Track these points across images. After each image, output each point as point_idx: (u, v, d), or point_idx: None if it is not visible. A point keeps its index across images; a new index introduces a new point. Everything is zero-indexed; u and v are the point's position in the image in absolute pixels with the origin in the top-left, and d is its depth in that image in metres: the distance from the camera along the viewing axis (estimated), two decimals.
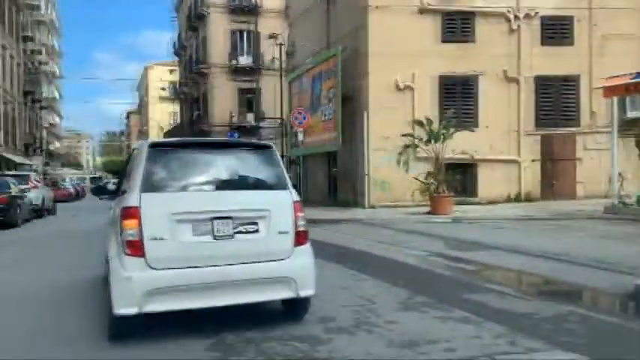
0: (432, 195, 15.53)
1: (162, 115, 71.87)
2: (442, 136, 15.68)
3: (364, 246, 10.25)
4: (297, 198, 4.58)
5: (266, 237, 4.33)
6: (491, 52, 18.76)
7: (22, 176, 19.86)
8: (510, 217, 14.75)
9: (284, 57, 29.02)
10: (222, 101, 39.57)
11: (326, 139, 19.77)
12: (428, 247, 9.77)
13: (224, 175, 4.56)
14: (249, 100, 40.89)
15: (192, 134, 44.63)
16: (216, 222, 4.16)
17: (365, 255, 9.28)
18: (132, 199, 4.15)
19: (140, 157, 4.45)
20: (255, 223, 4.32)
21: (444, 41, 18.82)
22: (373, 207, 18.10)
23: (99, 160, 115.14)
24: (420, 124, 15.86)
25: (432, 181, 15.64)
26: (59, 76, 67.87)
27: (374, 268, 7.76)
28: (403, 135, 16.44)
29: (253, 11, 39.52)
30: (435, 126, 16.00)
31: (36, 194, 19.32)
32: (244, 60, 40.40)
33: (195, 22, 42.67)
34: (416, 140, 15.95)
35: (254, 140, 6.47)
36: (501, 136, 18.97)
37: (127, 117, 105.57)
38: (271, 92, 40.10)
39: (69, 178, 57.43)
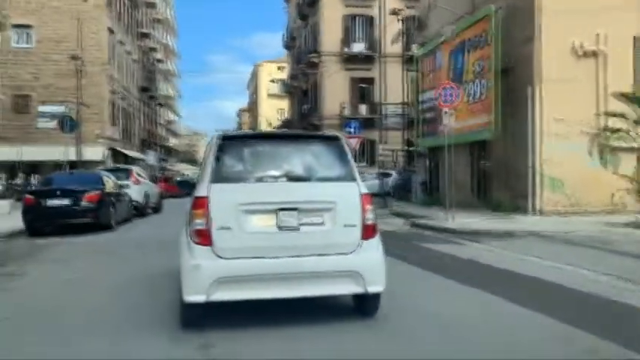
0: None
1: (271, 112, 70.87)
2: None
3: (611, 291, 5.90)
4: (365, 191, 4.31)
5: (332, 229, 4.12)
6: None
7: (123, 170, 17.68)
8: None
9: (400, 40, 24.89)
10: (334, 92, 36.29)
11: (474, 126, 15.44)
12: None
13: (291, 167, 4.38)
14: (362, 90, 37.26)
15: (303, 129, 42.02)
16: (281, 213, 4.03)
17: None
18: (201, 189, 4.13)
19: (212, 149, 4.39)
20: (321, 216, 4.13)
21: None
22: (542, 212, 13.53)
23: None
24: (629, 99, 11.08)
25: None
26: (175, 75, 68.91)
27: None
28: (602, 115, 11.77)
29: None
30: None
31: (138, 190, 17.00)
32: (358, 47, 36.81)
33: (305, 9, 39.81)
34: (618, 122, 11.20)
35: (322, 132, 6.07)
36: None
37: (239, 115, 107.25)
38: (388, 81, 36.31)
39: (188, 173, 57.64)
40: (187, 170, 60.78)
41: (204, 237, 3.96)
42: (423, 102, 19.55)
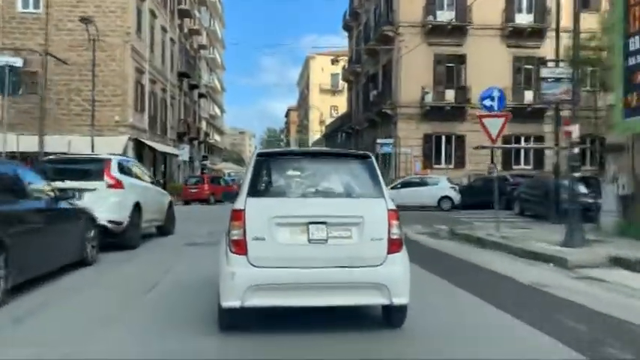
0: None
1: (323, 108, 62.90)
2: None
3: None
4: (392, 207, 4.29)
5: (359, 243, 4.16)
6: None
7: (87, 162, 9.40)
8: None
9: None
10: (413, 73, 27.43)
11: None
12: None
13: (322, 183, 4.46)
14: (449, 70, 28.24)
15: (368, 121, 33.39)
16: (311, 226, 4.11)
17: None
18: (239, 202, 4.22)
19: (250, 164, 4.53)
20: (349, 230, 4.17)
21: None
22: None
23: None
24: None
25: None
26: (220, 66, 61.45)
27: None
28: None
29: None
30: None
31: (117, 200, 8.76)
32: (444, 15, 27.84)
33: None
34: None
35: (353, 151, 5.23)
36: None
37: (287, 114, 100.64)
38: (483, 60, 27.23)
39: (231, 172, 50.03)
40: (230, 170, 53.09)
41: (239, 247, 4.04)
42: (633, 54, 10.48)
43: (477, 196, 23.27)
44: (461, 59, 27.96)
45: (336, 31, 77.72)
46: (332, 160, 4.74)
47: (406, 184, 22.96)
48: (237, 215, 4.09)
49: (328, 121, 58.19)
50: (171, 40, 36.28)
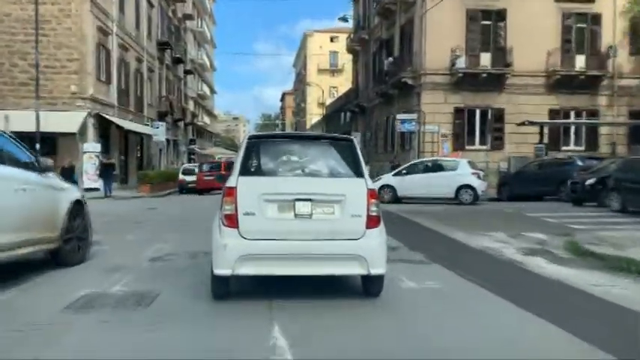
0: None
1: (322, 87, 57.11)
2: None
3: None
4: (371, 186, 4.60)
5: (340, 218, 4.44)
6: None
7: None
8: None
9: None
10: (440, 33, 21.84)
11: None
12: None
13: (307, 163, 4.72)
14: (485, 30, 22.61)
15: (381, 95, 27.82)
16: (297, 203, 4.36)
17: None
18: (231, 180, 4.48)
19: (242, 146, 4.79)
20: (332, 206, 4.44)
21: None
22: None
23: None
24: None
25: None
26: (210, 41, 55.35)
27: None
28: None
29: None
30: None
31: None
32: None
33: None
34: None
35: (336, 135, 5.44)
36: None
37: (282, 98, 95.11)
38: (524, 16, 21.68)
39: (222, 157, 44.33)
40: (222, 155, 47.35)
41: (231, 220, 4.31)
42: None
43: (530, 185, 17.84)
44: (499, 15, 22.36)
45: (332, 17, 73.10)
46: (317, 143, 4.99)
47: (414, 169, 17.27)
48: (230, 192, 4.34)
49: (327, 102, 52.57)
50: (149, 2, 30.41)
